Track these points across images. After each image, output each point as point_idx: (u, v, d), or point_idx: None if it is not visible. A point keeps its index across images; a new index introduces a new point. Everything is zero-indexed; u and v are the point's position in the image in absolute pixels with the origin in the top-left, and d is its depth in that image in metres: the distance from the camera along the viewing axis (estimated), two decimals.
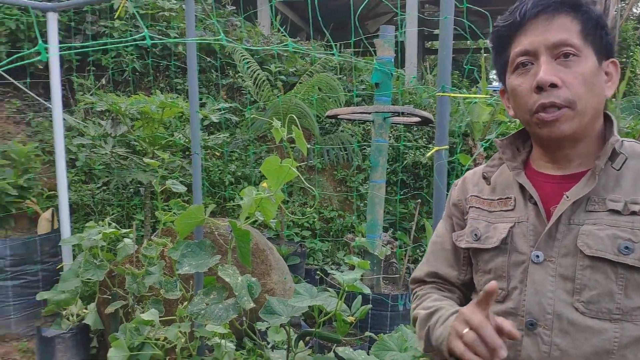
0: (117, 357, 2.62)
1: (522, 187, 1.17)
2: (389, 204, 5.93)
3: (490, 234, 1.19)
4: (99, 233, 3.09)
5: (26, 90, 5.84)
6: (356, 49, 9.26)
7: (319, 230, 5.98)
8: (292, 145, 2.25)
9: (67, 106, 6.02)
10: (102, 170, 5.00)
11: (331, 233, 6.04)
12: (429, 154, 1.99)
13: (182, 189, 2.87)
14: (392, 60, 3.58)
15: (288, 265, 4.21)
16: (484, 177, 1.27)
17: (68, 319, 3.35)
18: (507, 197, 1.21)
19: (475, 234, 1.23)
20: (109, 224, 3.18)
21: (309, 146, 5.97)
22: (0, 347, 3.65)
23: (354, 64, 7.32)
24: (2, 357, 3.54)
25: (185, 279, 3.14)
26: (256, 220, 2.49)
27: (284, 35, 7.79)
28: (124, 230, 3.19)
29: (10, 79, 5.62)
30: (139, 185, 4.87)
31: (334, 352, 2.54)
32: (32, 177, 4.07)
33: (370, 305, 3.23)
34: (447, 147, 1.86)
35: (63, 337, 3.23)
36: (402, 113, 3.42)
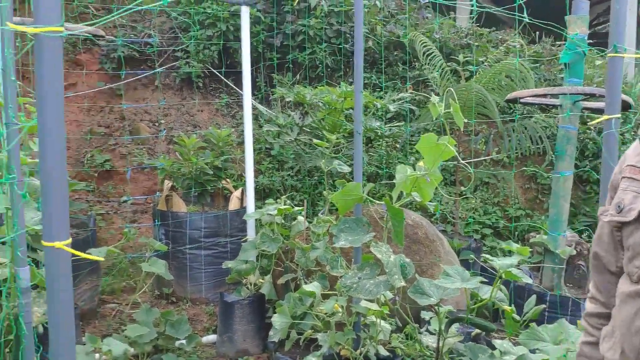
0: (280, 323, 2.80)
1: None
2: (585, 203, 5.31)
3: (634, 205, 1.01)
4: (275, 209, 3.34)
5: (232, 86, 6.57)
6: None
7: (502, 229, 5.63)
8: (450, 119, 2.15)
9: (266, 100, 6.62)
10: (291, 157, 5.38)
11: (516, 234, 5.64)
12: (596, 121, 1.74)
13: (346, 169, 2.95)
14: (585, 38, 3.21)
15: (460, 261, 4.05)
16: None
17: (247, 287, 3.68)
18: None
19: (619, 206, 1.06)
20: (284, 202, 3.41)
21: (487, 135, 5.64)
22: (192, 309, 4.18)
23: (555, 54, 6.73)
24: (192, 317, 4.04)
25: (350, 258, 3.22)
26: (412, 202, 2.45)
27: (478, 26, 7.50)
28: (297, 208, 3.39)
29: (221, 76, 6.38)
30: (321, 172, 5.13)
31: (488, 342, 2.37)
32: (227, 159, 4.56)
33: (543, 306, 2.96)
34: (618, 115, 1.60)
35: (241, 303, 3.56)
36: (593, 96, 3.03)
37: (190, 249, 4.08)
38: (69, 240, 1.15)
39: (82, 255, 1.40)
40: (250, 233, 3.94)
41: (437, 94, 5.62)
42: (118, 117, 6.42)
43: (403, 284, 2.26)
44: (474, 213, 5.60)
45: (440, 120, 2.22)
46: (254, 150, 6.18)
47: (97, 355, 2.80)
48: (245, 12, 3.85)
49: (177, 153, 4.51)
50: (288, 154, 5.55)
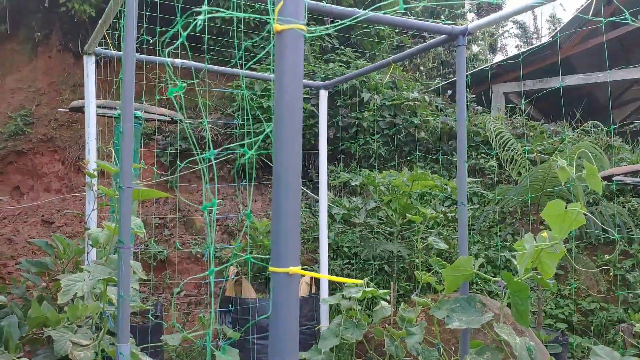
0: None
1: None
2: None
3: None
4: (358, 291, 3.15)
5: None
6: None
7: (576, 324, 5.26)
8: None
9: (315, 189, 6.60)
10: (350, 244, 5.24)
11: (592, 328, 5.25)
12: None
13: (443, 246, 2.80)
14: None
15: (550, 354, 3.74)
16: None
17: None
18: None
19: None
20: (367, 284, 3.23)
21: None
22: None
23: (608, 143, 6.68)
24: None
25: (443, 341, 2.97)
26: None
27: (527, 119, 7.58)
28: (381, 291, 3.20)
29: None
30: (384, 259, 4.95)
31: None
32: None
33: None
34: None
35: None
36: None
37: (258, 339, 3.84)
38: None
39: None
40: (324, 320, 3.72)
41: (500, 182, 5.54)
42: (172, 208, 6.43)
43: None
44: (545, 306, 5.27)
45: (563, 187, 2.09)
46: (309, 239, 6.09)
47: None
48: (323, 96, 3.91)
49: (248, 237, 4.43)
50: (343, 242, 5.43)
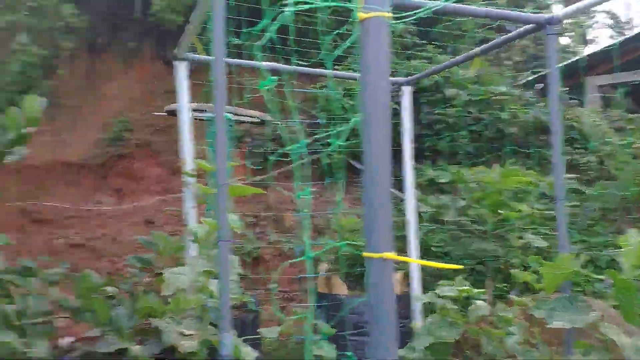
0: None
1: None
2: None
3: None
4: (453, 290, 3.10)
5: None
6: None
7: None
8: None
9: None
10: (440, 243, 5.15)
11: None
12: None
13: (542, 243, 2.69)
14: None
15: None
16: None
17: None
18: None
19: None
20: (462, 284, 3.17)
21: None
22: None
23: None
24: None
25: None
26: None
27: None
28: (477, 290, 3.12)
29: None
30: (478, 259, 4.82)
31: None
32: None
33: None
34: None
35: None
36: None
37: (353, 335, 3.86)
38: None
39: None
40: (417, 318, 3.68)
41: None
42: (264, 207, 6.63)
43: None
44: None
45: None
46: (395, 237, 6.05)
47: None
48: (406, 92, 3.88)
49: (336, 233, 4.48)
50: (432, 242, 5.33)
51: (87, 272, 2.73)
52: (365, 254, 1.02)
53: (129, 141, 7.68)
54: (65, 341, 2.98)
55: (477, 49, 3.23)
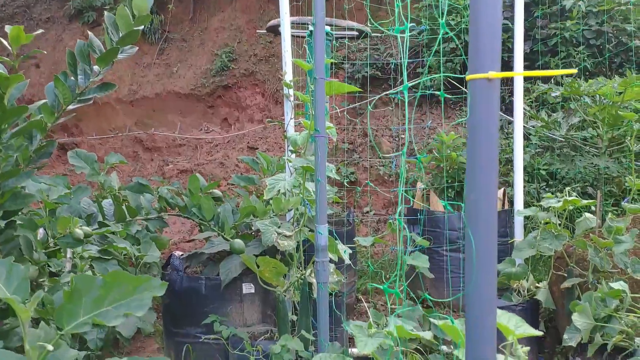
0: (581, 323, 2.39)
1: None
2: None
3: None
4: (559, 201, 2.94)
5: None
6: None
7: None
8: None
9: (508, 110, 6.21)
10: (547, 167, 4.88)
11: None
12: None
13: None
14: None
15: None
16: None
17: (519, 292, 3.30)
18: None
19: None
20: (569, 194, 2.99)
21: None
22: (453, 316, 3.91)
23: None
24: None
25: None
26: None
27: None
28: (585, 202, 2.94)
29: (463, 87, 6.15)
30: (588, 181, 4.51)
31: None
32: None
33: None
34: None
35: (513, 309, 3.19)
36: None
37: (450, 251, 3.85)
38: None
39: None
40: (519, 234, 3.56)
41: None
42: (361, 134, 6.63)
43: None
44: None
45: None
46: (501, 161, 5.80)
47: None
48: (518, 3, 3.57)
49: (435, 150, 4.38)
50: (539, 164, 5.06)
51: (196, 175, 2.91)
52: (468, 76, 0.90)
53: (234, 71, 7.90)
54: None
55: None
